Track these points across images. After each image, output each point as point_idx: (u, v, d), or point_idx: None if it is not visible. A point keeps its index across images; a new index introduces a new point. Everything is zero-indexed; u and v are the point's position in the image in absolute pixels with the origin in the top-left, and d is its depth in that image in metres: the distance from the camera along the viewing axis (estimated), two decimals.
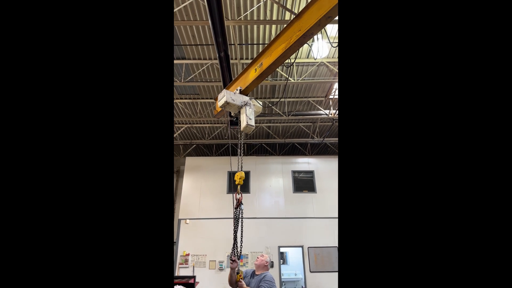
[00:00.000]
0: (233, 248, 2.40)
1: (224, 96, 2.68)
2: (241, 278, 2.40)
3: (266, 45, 5.65)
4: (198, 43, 5.32)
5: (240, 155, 2.76)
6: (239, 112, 2.79)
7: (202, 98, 7.22)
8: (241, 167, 2.71)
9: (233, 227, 2.45)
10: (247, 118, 2.65)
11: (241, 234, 2.41)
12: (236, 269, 2.38)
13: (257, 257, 2.71)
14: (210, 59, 5.73)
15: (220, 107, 2.82)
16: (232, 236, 2.45)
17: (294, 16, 2.43)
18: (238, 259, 2.39)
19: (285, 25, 2.52)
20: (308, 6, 2.41)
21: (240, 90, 2.90)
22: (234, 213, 2.47)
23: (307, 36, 2.51)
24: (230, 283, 2.43)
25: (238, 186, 2.54)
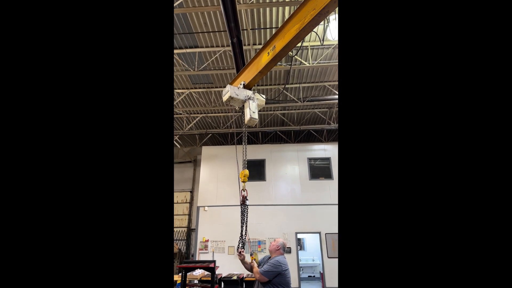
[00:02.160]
0: (239, 241, 2.55)
1: (228, 91, 2.72)
2: (254, 259, 2.59)
3: (278, 28, 5.48)
4: (210, 30, 5.26)
5: (244, 148, 2.86)
6: (243, 106, 2.83)
7: (216, 87, 7.22)
8: (246, 162, 2.78)
9: (240, 222, 2.58)
10: (251, 112, 2.70)
11: (246, 227, 2.56)
12: (244, 259, 2.54)
13: (271, 242, 2.78)
14: (222, 46, 5.67)
15: (225, 102, 2.85)
16: (240, 230, 2.58)
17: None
18: (244, 250, 2.54)
19: (298, 6, 2.41)
20: None
21: (243, 84, 2.90)
22: (241, 208, 2.61)
23: (322, 15, 2.40)
24: (246, 268, 2.64)
25: (243, 183, 2.67)
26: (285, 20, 5.42)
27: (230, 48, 4.32)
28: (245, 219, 2.57)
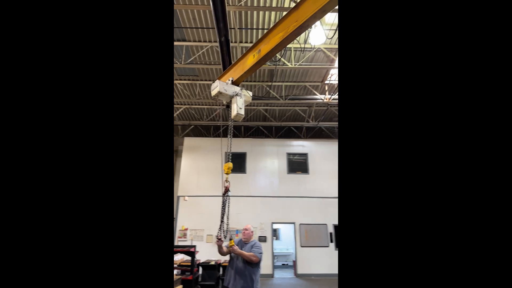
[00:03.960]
0: (219, 228, 2.81)
1: (217, 87, 2.89)
2: (232, 245, 2.87)
3: (265, 30, 5.74)
4: (199, 27, 5.41)
5: (229, 141, 3.02)
6: (231, 100, 3.01)
7: (201, 80, 7.36)
8: (230, 156, 2.97)
9: (220, 211, 2.82)
10: (238, 108, 2.86)
11: (227, 217, 2.80)
12: (222, 245, 2.85)
13: (243, 232, 3.12)
14: (210, 41, 5.83)
15: (213, 96, 3.02)
16: (220, 218, 2.83)
17: (293, 5, 2.54)
18: (225, 238, 2.83)
19: (284, 12, 2.64)
20: None
21: (232, 80, 3.06)
22: (223, 198, 2.82)
23: (303, 27, 2.69)
24: (221, 253, 2.92)
25: (227, 175, 2.84)
26: (271, 26, 5.74)
27: (217, 44, 4.52)
28: (227, 209, 2.78)
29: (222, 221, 2.79)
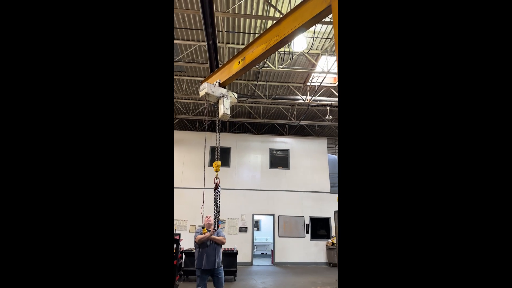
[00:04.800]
0: (215, 219, 3.20)
1: (205, 88, 3.18)
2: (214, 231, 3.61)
3: (251, 34, 6.04)
4: (188, 27, 5.65)
5: (217, 140, 3.29)
6: (218, 101, 3.28)
7: (189, 76, 7.58)
8: (219, 154, 3.29)
9: (213, 205, 3.14)
10: (224, 108, 3.14)
11: (218, 210, 3.14)
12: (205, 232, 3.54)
13: (207, 217, 3.71)
14: (198, 41, 6.08)
15: (201, 96, 3.26)
16: (213, 210, 3.17)
17: (278, 14, 2.74)
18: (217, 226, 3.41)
19: (269, 21, 2.85)
20: (285, 16, 2.94)
21: (219, 82, 3.33)
22: (214, 194, 3.14)
23: (283, 42, 3.04)
24: (201, 241, 3.56)
25: (216, 172, 3.14)
26: (256, 32, 6.07)
27: (205, 43, 4.78)
28: (218, 203, 3.10)
29: (217, 215, 3.09)
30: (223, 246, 3.77)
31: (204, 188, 3.53)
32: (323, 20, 3.42)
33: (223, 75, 3.63)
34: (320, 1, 2.35)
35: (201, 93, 3.19)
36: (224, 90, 3.32)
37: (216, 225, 3.32)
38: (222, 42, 5.92)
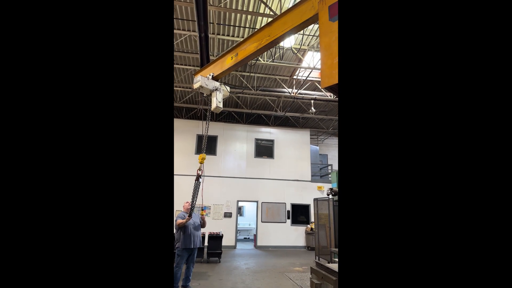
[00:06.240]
0: (192, 207, 3.60)
1: (199, 81, 3.34)
2: (202, 214, 4.21)
3: (241, 27, 6.14)
4: (180, 18, 5.68)
5: (205, 136, 3.49)
6: (211, 94, 3.46)
7: (177, 64, 7.60)
8: (205, 147, 3.49)
9: (192, 193, 3.42)
10: (217, 101, 3.33)
11: (196, 198, 3.44)
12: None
13: (185, 206, 4.26)
14: (189, 30, 6.13)
15: (195, 89, 3.43)
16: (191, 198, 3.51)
17: (267, 11, 2.76)
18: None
19: (259, 17, 2.94)
20: (277, 18, 3.14)
21: (212, 76, 3.48)
22: (195, 183, 3.39)
23: (274, 43, 3.24)
24: (182, 225, 3.99)
25: (200, 164, 3.37)
26: (246, 31, 6.23)
27: (195, 33, 4.86)
28: (197, 193, 3.39)
29: (193, 202, 3.47)
30: (208, 230, 4.26)
31: (198, 182, 3.63)
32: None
33: (216, 68, 3.78)
34: (309, 9, 2.59)
35: (195, 86, 3.33)
36: (217, 84, 3.45)
37: (192, 212, 3.83)
38: (213, 33, 6.02)
